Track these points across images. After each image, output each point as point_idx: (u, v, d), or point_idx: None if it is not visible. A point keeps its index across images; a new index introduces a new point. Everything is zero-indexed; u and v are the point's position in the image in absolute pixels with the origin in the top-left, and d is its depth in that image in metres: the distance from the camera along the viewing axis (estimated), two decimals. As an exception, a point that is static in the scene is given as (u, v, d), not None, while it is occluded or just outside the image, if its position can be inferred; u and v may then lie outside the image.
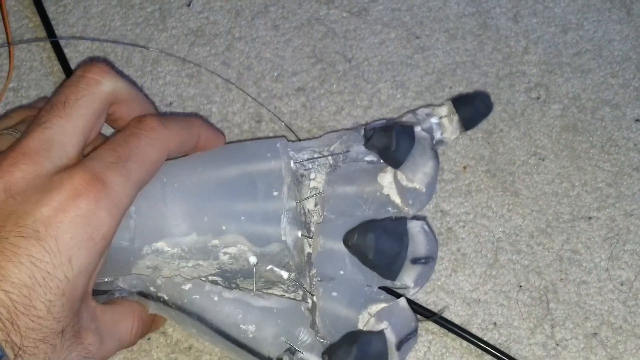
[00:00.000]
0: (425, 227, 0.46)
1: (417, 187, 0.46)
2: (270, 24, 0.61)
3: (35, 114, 0.45)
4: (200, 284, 0.44)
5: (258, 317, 0.43)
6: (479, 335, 0.48)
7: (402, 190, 0.46)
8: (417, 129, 0.47)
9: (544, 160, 0.55)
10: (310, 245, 0.47)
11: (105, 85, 0.40)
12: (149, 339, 0.48)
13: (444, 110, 0.50)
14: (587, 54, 0.60)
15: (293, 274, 0.46)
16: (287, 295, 0.46)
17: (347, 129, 0.54)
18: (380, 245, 0.43)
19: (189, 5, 0.61)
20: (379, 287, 0.46)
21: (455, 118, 0.49)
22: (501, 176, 0.54)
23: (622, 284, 0.50)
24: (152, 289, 0.44)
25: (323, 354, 0.42)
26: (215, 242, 0.44)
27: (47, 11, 0.60)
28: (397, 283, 0.45)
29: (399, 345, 0.43)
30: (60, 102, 0.39)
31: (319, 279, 0.45)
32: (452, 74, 0.58)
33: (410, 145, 0.46)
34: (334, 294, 0.44)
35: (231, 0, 0.62)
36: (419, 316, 0.48)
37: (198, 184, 0.45)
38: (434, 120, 0.50)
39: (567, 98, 0.58)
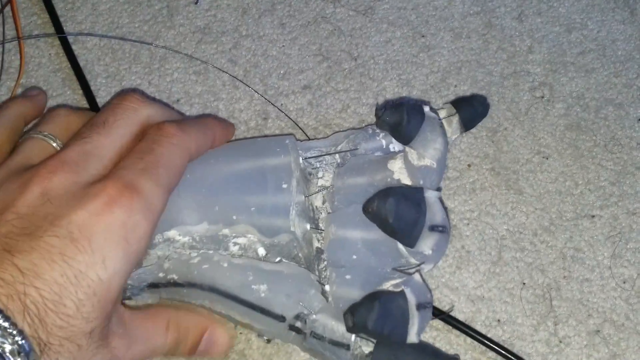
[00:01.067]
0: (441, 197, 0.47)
1: (429, 163, 0.47)
2: (277, 22, 0.61)
3: (29, 106, 0.47)
4: (208, 255, 0.45)
5: (268, 278, 0.44)
6: (483, 332, 0.48)
7: (413, 170, 0.47)
8: (426, 108, 0.48)
9: (547, 158, 0.55)
10: (319, 241, 0.48)
11: (141, 112, 0.43)
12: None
13: (443, 112, 0.50)
14: (591, 54, 0.60)
15: (302, 267, 0.46)
16: None
17: (355, 129, 0.54)
18: (400, 209, 0.44)
19: (196, 3, 0.62)
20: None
21: (455, 119, 0.50)
22: (505, 174, 0.54)
23: (624, 282, 0.50)
24: (160, 274, 0.44)
25: (345, 313, 0.42)
26: (226, 231, 0.45)
27: (56, 8, 0.60)
28: (413, 260, 0.45)
29: (419, 307, 0.44)
30: (100, 122, 0.42)
31: (331, 267, 0.46)
32: (457, 73, 0.59)
33: (420, 120, 0.47)
34: (348, 276, 0.45)
35: (238, -2, 0.62)
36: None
37: (210, 176, 0.46)
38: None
39: (571, 97, 0.58)
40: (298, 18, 0.61)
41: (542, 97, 0.58)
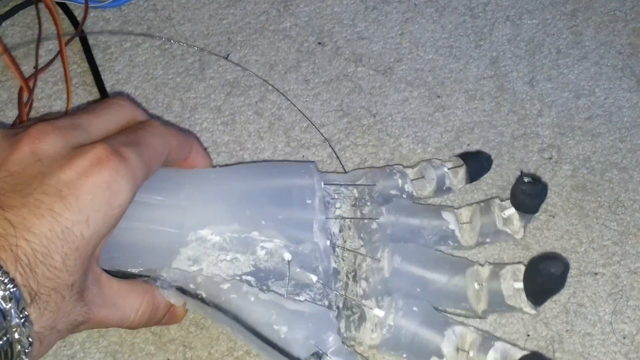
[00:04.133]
0: None
1: (509, 231, 0.54)
2: (301, 78, 0.65)
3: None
4: (238, 285, 0.47)
5: (290, 319, 0.46)
6: (488, 379, 0.51)
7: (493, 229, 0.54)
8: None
9: (554, 217, 0.58)
10: (335, 262, 0.51)
11: (127, 108, 0.47)
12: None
13: (450, 163, 0.57)
14: (598, 119, 0.63)
15: (319, 283, 0.49)
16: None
17: (373, 167, 0.59)
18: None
19: (226, 58, 0.66)
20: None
21: (462, 170, 0.56)
22: (513, 230, 0.57)
23: (624, 337, 0.52)
24: (191, 286, 0.47)
25: None
26: (255, 234, 0.48)
27: (95, 58, 0.65)
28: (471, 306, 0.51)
29: None
30: (90, 109, 0.45)
31: (397, 294, 0.50)
32: (469, 133, 0.62)
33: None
34: (415, 308, 0.49)
35: (266, 55, 0.66)
36: None
37: (240, 187, 0.50)
38: (445, 168, 0.56)
39: (577, 160, 0.61)
40: (321, 75, 0.65)
41: (550, 158, 0.61)
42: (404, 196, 0.55)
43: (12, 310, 0.35)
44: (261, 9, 0.70)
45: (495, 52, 0.67)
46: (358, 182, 0.55)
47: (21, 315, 0.36)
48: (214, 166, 0.54)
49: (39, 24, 0.66)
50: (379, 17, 0.69)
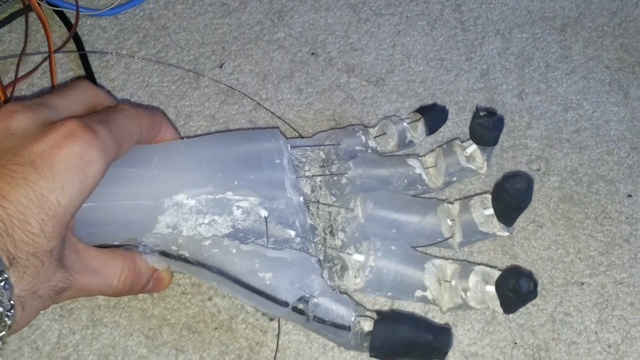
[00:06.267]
0: None
1: (473, 167, 0.57)
2: (294, 88, 0.66)
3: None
4: (218, 240, 0.48)
5: (273, 266, 0.47)
6: (475, 386, 0.51)
7: (456, 165, 0.57)
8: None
9: (541, 227, 0.59)
10: (311, 218, 0.53)
11: (91, 89, 0.48)
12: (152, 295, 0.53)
13: (409, 119, 0.59)
14: (586, 132, 0.64)
15: (298, 238, 0.50)
16: None
17: (335, 129, 0.60)
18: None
19: (221, 67, 0.67)
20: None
21: (421, 124, 0.59)
22: (501, 240, 0.58)
23: (609, 346, 0.53)
24: (173, 247, 0.48)
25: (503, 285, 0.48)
26: (229, 194, 0.50)
27: (91, 65, 0.65)
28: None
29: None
30: (55, 91, 0.47)
31: (375, 237, 0.51)
32: (460, 143, 0.63)
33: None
34: (393, 247, 0.50)
35: (260, 65, 0.67)
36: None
37: (209, 154, 0.51)
38: (405, 123, 0.59)
39: (565, 171, 0.62)
40: (314, 85, 0.66)
41: (539, 170, 0.62)
42: (369, 151, 0.57)
43: None
44: (256, 19, 0.71)
45: (486, 64, 0.68)
46: (323, 144, 0.57)
47: (0, 278, 0.37)
48: (182, 138, 0.55)
49: (26, 34, 0.66)
50: (371, 29, 0.70)
